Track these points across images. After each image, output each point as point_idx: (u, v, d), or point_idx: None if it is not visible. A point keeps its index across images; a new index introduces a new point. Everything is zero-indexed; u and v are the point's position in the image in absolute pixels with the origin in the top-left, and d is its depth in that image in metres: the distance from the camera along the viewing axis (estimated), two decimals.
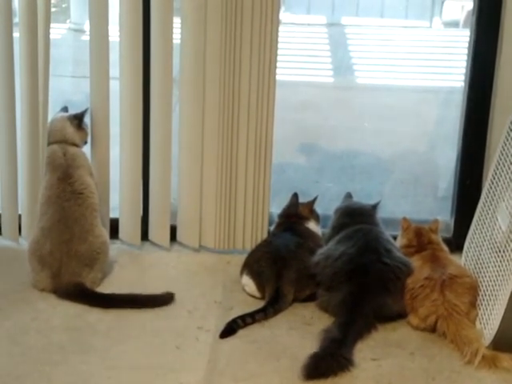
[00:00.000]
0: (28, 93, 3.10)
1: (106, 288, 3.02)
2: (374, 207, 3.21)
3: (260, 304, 2.92)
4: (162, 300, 2.92)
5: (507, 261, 2.73)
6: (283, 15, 5.34)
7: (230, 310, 2.92)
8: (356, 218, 3.14)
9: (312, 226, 3.20)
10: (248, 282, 3.01)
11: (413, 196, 3.92)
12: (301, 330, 2.82)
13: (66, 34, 5.41)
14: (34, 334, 2.75)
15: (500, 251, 2.81)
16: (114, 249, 3.24)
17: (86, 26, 3.21)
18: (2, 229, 3.32)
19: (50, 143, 3.16)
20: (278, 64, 3.13)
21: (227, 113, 3.17)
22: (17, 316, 2.85)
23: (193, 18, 3.07)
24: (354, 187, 3.58)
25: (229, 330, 2.78)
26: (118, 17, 3.11)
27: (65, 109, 3.28)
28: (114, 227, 3.32)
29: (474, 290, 2.88)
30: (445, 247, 3.09)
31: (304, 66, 5.39)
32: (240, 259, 3.12)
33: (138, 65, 3.14)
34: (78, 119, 3.20)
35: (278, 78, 3.15)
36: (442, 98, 4.82)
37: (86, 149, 3.25)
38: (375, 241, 2.98)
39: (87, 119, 3.23)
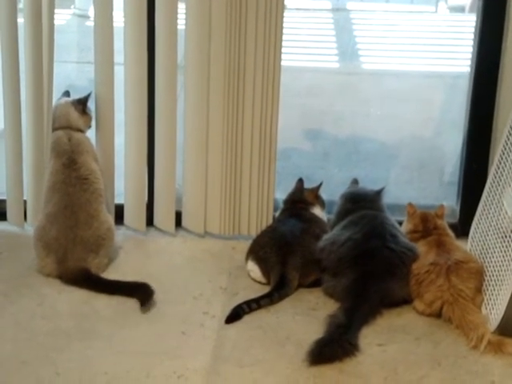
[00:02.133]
0: (32, 78, 3.09)
1: (112, 274, 3.02)
2: (379, 193, 3.21)
3: (265, 290, 2.92)
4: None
5: None
6: (288, 0, 5.32)
7: (235, 295, 2.92)
8: (360, 204, 3.14)
9: (317, 211, 3.20)
10: (253, 268, 3.01)
11: (418, 181, 3.91)
12: (306, 316, 2.82)
13: (70, 20, 5.40)
14: (39, 320, 2.76)
15: (506, 236, 2.81)
16: (120, 235, 3.24)
17: (91, 12, 3.21)
18: (8, 214, 3.33)
19: (54, 129, 3.16)
20: (283, 49, 3.12)
21: (232, 99, 3.16)
22: (22, 301, 2.85)
23: (197, 3, 3.06)
24: (360, 173, 3.57)
25: (234, 316, 2.78)
26: (123, 2, 3.10)
27: (66, 93, 3.28)
28: (119, 213, 3.32)
29: (479, 275, 2.87)
30: (450, 233, 3.09)
31: (309, 52, 5.37)
32: (245, 245, 3.12)
33: (142, 51, 3.13)
34: (82, 104, 3.20)
35: (283, 63, 3.13)
36: (448, 83, 4.81)
37: (91, 135, 3.25)
38: (381, 226, 2.98)
39: (91, 105, 3.22)
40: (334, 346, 2.59)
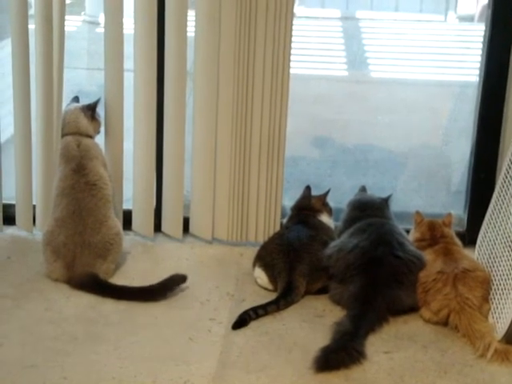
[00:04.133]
0: (43, 84, 3.11)
1: (119, 279, 3.03)
2: (386, 201, 3.21)
3: (272, 296, 2.93)
4: (175, 282, 2.91)
5: None
6: (297, 9, 5.32)
7: (242, 301, 2.93)
8: (367, 212, 3.15)
9: (324, 218, 3.20)
10: (260, 275, 3.02)
11: (426, 190, 3.91)
12: (313, 323, 2.83)
13: (80, 27, 5.41)
14: (47, 324, 2.77)
15: None
16: (127, 240, 3.26)
17: (101, 19, 3.22)
18: (17, 219, 3.34)
19: (63, 135, 3.18)
20: (292, 57, 3.13)
21: (241, 106, 3.17)
22: (30, 306, 2.87)
23: (207, 11, 3.08)
24: (368, 181, 3.57)
25: (241, 322, 2.79)
26: (133, 9, 3.12)
27: (76, 99, 3.30)
28: (128, 219, 3.34)
29: (486, 283, 2.87)
30: (458, 241, 3.09)
31: (318, 60, 5.37)
32: (252, 251, 3.13)
33: (152, 57, 3.15)
34: (91, 110, 3.21)
35: (291, 71, 3.15)
36: (457, 92, 4.81)
37: (100, 140, 3.27)
38: (388, 234, 2.98)
39: (101, 110, 3.24)
40: (340, 354, 2.59)
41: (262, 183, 3.26)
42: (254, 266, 3.06)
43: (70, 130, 3.18)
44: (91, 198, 3.05)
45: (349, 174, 4.04)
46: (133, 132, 3.27)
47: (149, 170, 3.30)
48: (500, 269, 2.86)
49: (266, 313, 2.84)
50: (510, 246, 2.83)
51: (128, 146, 3.29)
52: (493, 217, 3.05)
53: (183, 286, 2.95)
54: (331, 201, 3.28)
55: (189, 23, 3.12)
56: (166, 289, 2.91)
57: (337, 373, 2.55)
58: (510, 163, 2.98)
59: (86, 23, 5.41)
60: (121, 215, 3.30)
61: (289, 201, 3.34)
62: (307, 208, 3.21)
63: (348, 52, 5.58)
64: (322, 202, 3.24)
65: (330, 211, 3.25)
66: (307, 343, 2.69)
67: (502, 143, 3.25)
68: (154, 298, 2.90)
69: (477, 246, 3.14)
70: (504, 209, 2.96)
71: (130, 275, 3.08)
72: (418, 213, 3.14)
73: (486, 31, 3.20)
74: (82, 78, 4.74)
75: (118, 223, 3.13)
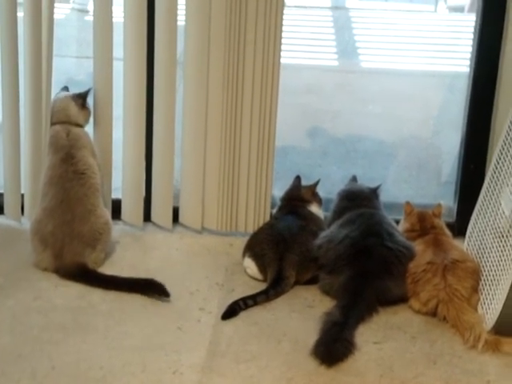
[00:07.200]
0: (31, 73, 3.09)
1: (109, 268, 3.02)
2: (375, 191, 3.21)
3: (262, 286, 2.93)
4: (161, 290, 2.86)
5: (510, 246, 2.73)
6: None
7: (231, 291, 2.93)
8: (356, 202, 3.14)
9: (314, 209, 3.20)
10: (250, 265, 3.01)
11: (416, 180, 3.91)
12: (302, 313, 2.83)
13: (69, 14, 5.39)
14: (35, 314, 2.75)
15: (503, 236, 2.81)
16: (117, 230, 3.24)
17: (90, 6, 3.20)
18: (5, 208, 3.33)
19: (53, 123, 3.16)
20: (283, 47, 3.12)
21: (231, 95, 3.16)
22: (19, 295, 2.85)
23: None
24: (357, 171, 3.57)
25: (230, 312, 2.78)
26: None
27: (65, 88, 3.28)
28: (117, 208, 3.32)
29: (476, 274, 2.88)
30: (448, 232, 3.10)
31: (308, 50, 5.37)
32: (242, 241, 3.13)
33: (142, 46, 3.13)
34: (81, 98, 3.19)
35: (282, 61, 3.13)
36: (447, 83, 4.81)
37: (89, 129, 3.25)
38: (378, 225, 2.98)
39: (90, 99, 3.22)
40: (337, 345, 2.57)
41: (251, 173, 3.25)
42: (243, 256, 3.05)
43: (59, 119, 3.16)
44: (80, 188, 3.03)
45: (339, 165, 4.04)
46: (122, 121, 3.25)
47: (138, 160, 3.28)
48: (490, 259, 2.87)
49: (256, 303, 2.84)
50: (499, 237, 2.84)
51: (117, 135, 3.28)
52: (483, 207, 3.05)
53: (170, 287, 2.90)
54: (321, 191, 3.28)
55: (179, 12, 3.11)
56: (151, 291, 2.88)
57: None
58: (500, 154, 2.98)
59: (74, 11, 5.39)
60: (110, 204, 3.28)
61: (278, 191, 3.33)
62: (297, 198, 3.21)
63: (338, 42, 5.58)
64: (312, 193, 3.23)
65: (319, 201, 3.24)
66: (297, 333, 2.69)
67: (492, 134, 3.25)
68: (142, 291, 2.88)
69: (466, 236, 3.15)
70: (494, 199, 2.97)
71: (119, 265, 3.07)
72: (407, 203, 3.14)
73: (476, 21, 3.20)
74: (70, 66, 4.72)
75: (107, 212, 3.12)
